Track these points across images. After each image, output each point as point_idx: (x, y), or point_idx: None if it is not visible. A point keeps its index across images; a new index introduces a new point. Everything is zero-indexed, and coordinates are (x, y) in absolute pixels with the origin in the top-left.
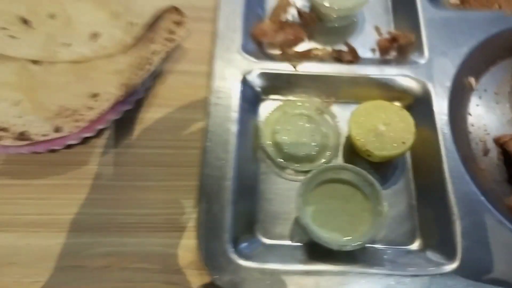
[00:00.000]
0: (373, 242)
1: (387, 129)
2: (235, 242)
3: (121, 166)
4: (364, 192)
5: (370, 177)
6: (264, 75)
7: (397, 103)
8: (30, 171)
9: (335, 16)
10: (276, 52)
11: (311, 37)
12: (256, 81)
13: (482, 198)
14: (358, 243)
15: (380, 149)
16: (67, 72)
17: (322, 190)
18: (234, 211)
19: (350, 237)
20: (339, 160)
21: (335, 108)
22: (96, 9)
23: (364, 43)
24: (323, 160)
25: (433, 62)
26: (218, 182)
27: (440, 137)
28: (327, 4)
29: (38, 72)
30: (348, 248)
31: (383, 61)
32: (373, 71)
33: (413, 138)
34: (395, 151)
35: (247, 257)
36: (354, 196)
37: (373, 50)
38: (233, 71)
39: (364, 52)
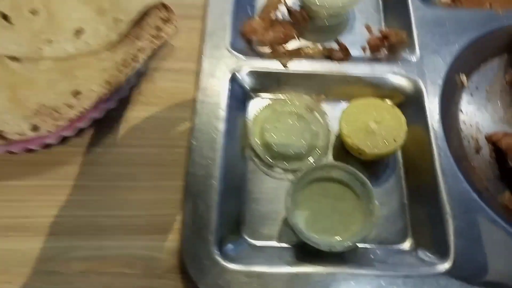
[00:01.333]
0: (364, 241)
1: (378, 127)
2: (221, 244)
3: (104, 166)
4: (355, 191)
5: (361, 175)
6: (254, 73)
7: (388, 101)
8: (5, 172)
9: (325, 15)
10: (266, 50)
11: (301, 36)
12: (245, 79)
13: (475, 196)
14: (349, 243)
15: (371, 147)
16: (50, 70)
17: (313, 189)
18: (220, 211)
19: (341, 238)
20: (330, 159)
21: (326, 106)
22: (81, 5)
23: (355, 41)
24: (313, 159)
25: (425, 60)
26: (204, 181)
27: (432, 135)
28: (318, 2)
29: (18, 69)
30: (339, 249)
31: (374, 60)
32: (364, 69)
33: (405, 136)
34: (386, 149)
35: (232, 260)
36: (345, 195)
37: (363, 49)
38: (221, 68)
39: (354, 50)
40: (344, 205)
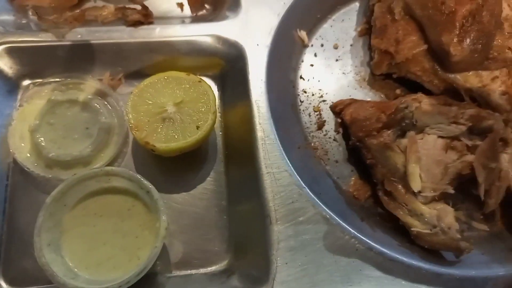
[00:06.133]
0: (157, 268)
1: (178, 110)
2: None
3: None
4: (146, 202)
5: (145, 183)
6: (16, 51)
7: (204, 74)
8: None
9: None
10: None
11: None
12: (5, 61)
13: (307, 191)
14: (126, 281)
15: (166, 140)
16: None
17: (86, 206)
18: None
19: (122, 271)
20: (130, 160)
21: (124, 88)
22: None
23: None
24: (103, 162)
25: (250, 15)
26: None
27: (255, 114)
28: None
29: None
30: None
31: (194, 19)
32: (172, 32)
33: (213, 119)
34: (184, 140)
35: None
36: (133, 210)
37: (180, 5)
38: None
39: (170, 8)
40: (129, 225)
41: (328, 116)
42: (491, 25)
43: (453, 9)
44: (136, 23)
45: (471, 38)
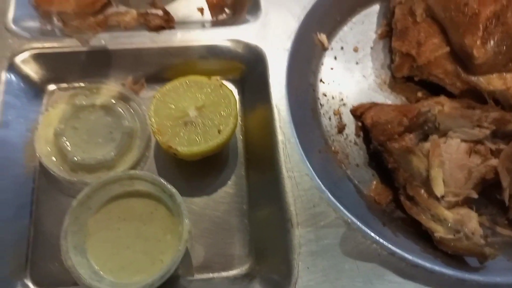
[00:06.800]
0: (179, 271)
1: (200, 115)
2: None
3: None
4: (168, 206)
5: (168, 186)
6: (42, 57)
7: (224, 78)
8: None
9: None
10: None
11: None
12: (31, 66)
13: (328, 195)
14: (150, 283)
15: (188, 144)
16: None
17: (110, 210)
18: None
19: (145, 275)
20: (152, 163)
21: (146, 92)
22: None
23: (190, 2)
24: (127, 165)
25: (270, 19)
26: None
27: (276, 117)
28: None
29: None
30: None
31: (214, 23)
32: (193, 37)
33: (234, 123)
34: (206, 144)
35: None
36: (155, 214)
37: (200, 10)
38: None
39: (190, 13)
40: (152, 228)
41: (349, 120)
42: None
43: (476, 11)
44: (158, 28)
45: (495, 40)
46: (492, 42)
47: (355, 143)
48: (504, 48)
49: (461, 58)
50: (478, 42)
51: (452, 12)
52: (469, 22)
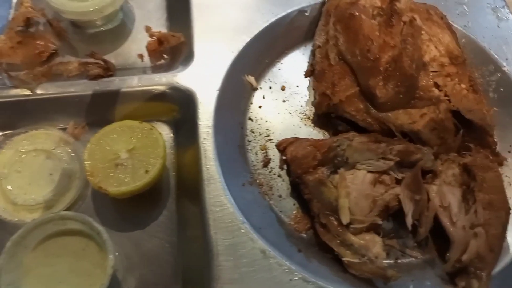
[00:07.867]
0: None
1: (130, 156)
2: None
3: None
4: (98, 242)
5: (95, 225)
6: None
7: (160, 120)
8: None
9: (98, 21)
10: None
11: (70, 48)
12: None
13: (247, 225)
14: None
15: (118, 185)
16: None
17: (46, 248)
18: None
19: None
20: (90, 201)
21: (88, 135)
22: None
23: (132, 49)
24: (64, 205)
25: (201, 64)
26: None
27: (202, 156)
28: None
29: None
30: None
31: (154, 68)
32: (129, 83)
33: (161, 163)
34: (134, 184)
35: None
36: (87, 250)
37: (140, 56)
38: None
39: (131, 59)
40: (84, 264)
41: (274, 154)
42: (411, 68)
43: (377, 56)
44: (96, 77)
45: (395, 81)
46: (392, 83)
47: (279, 176)
48: (403, 88)
49: (368, 97)
50: (380, 84)
51: (358, 57)
52: (372, 66)
